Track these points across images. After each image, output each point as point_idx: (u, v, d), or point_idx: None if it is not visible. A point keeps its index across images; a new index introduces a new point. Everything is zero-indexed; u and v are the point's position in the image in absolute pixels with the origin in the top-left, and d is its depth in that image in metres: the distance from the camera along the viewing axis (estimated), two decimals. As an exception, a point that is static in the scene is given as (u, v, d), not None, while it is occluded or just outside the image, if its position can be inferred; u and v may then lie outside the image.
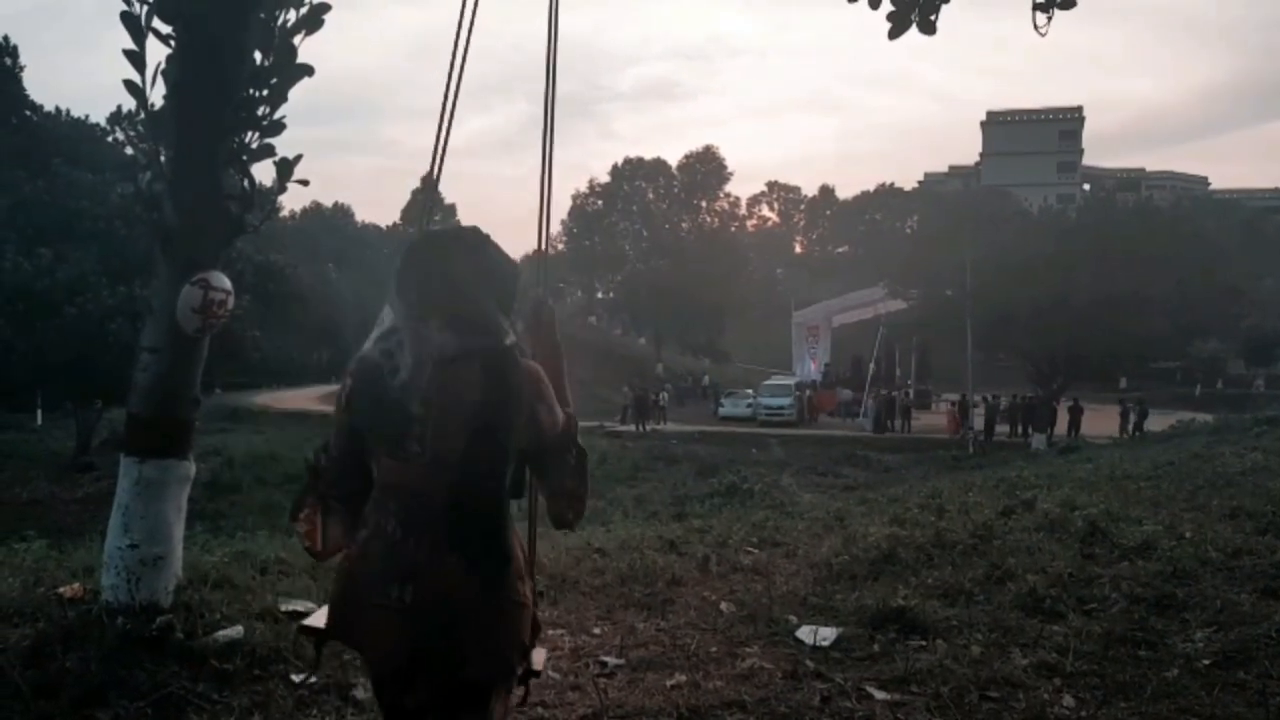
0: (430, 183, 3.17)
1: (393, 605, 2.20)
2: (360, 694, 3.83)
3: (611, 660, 4.51)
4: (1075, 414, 34.05)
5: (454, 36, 3.10)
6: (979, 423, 35.52)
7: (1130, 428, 33.17)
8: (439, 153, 3.07)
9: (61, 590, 4.78)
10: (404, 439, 2.22)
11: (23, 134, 37.00)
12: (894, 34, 4.48)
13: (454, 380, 2.20)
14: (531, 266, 3.27)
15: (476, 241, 2.39)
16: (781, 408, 40.73)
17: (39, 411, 36.23)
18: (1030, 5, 4.42)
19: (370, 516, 2.30)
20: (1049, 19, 4.43)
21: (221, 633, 4.18)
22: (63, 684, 3.65)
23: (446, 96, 3.07)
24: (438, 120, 3.05)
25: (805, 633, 4.86)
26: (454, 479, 2.21)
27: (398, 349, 2.25)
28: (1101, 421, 33.96)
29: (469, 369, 2.21)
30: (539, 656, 2.60)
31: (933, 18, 4.46)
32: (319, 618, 2.52)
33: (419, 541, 2.21)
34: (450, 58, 3.10)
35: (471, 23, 3.13)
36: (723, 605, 5.60)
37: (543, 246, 3.17)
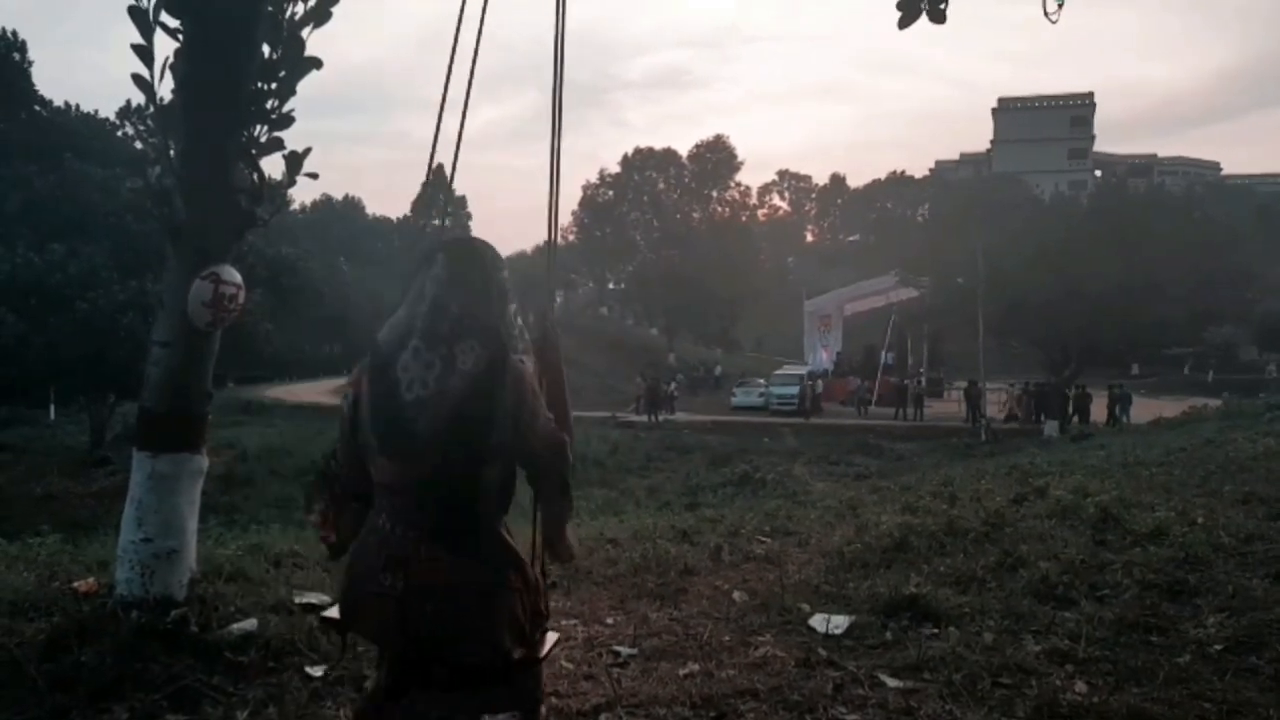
0: (441, 183, 3.14)
1: (386, 592, 2.34)
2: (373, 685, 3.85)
3: (625, 650, 4.51)
4: (1082, 401, 33.89)
5: (456, 30, 3.09)
6: (991, 410, 35.50)
7: (1115, 415, 32.88)
8: (455, 155, 3.05)
9: (76, 585, 4.81)
10: (396, 437, 2.34)
11: (33, 129, 37.09)
12: (904, 23, 4.44)
13: (446, 382, 2.32)
14: (540, 259, 3.30)
15: (493, 258, 2.51)
16: (793, 397, 40.63)
17: (52, 406, 36.35)
18: None
19: (371, 514, 2.46)
20: (1060, 5, 4.39)
21: (236, 625, 4.19)
22: (79, 677, 3.67)
23: (445, 89, 3.09)
24: (438, 114, 3.06)
25: (818, 621, 4.86)
26: (440, 474, 2.33)
27: (403, 353, 2.37)
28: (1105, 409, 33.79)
29: (461, 372, 2.33)
30: (547, 641, 2.66)
31: (943, 6, 4.41)
32: (336, 610, 2.65)
33: (407, 533, 2.35)
34: (452, 52, 3.08)
35: (483, 17, 3.13)
36: (735, 594, 5.60)
37: (549, 272, 3.26)
